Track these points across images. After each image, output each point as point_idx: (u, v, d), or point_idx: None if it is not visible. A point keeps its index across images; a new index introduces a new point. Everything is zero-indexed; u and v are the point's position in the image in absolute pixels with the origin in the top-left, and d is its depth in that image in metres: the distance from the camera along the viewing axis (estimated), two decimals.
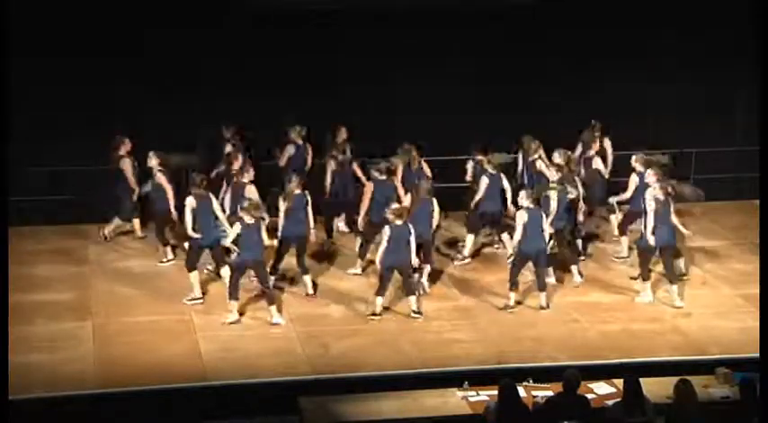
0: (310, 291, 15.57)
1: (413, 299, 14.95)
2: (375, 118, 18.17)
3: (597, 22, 18.87)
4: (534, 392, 12.20)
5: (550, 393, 11.76)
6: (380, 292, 14.86)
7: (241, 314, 14.84)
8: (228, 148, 17.08)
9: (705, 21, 18.99)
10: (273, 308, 14.74)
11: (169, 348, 14.06)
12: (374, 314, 14.87)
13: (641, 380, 11.17)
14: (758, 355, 12.22)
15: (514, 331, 14.74)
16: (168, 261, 16.56)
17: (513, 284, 15.16)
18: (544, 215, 15.09)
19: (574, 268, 16.10)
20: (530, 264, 15.19)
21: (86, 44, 17.43)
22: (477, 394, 12.33)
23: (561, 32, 18.79)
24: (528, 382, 12.56)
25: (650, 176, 15.62)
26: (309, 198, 15.44)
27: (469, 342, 14.43)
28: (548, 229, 15.15)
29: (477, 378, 12.74)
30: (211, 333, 14.49)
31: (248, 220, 14.49)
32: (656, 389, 11.83)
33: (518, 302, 15.30)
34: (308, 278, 15.59)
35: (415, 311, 14.93)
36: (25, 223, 17.51)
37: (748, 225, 18.10)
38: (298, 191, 15.35)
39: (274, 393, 13.05)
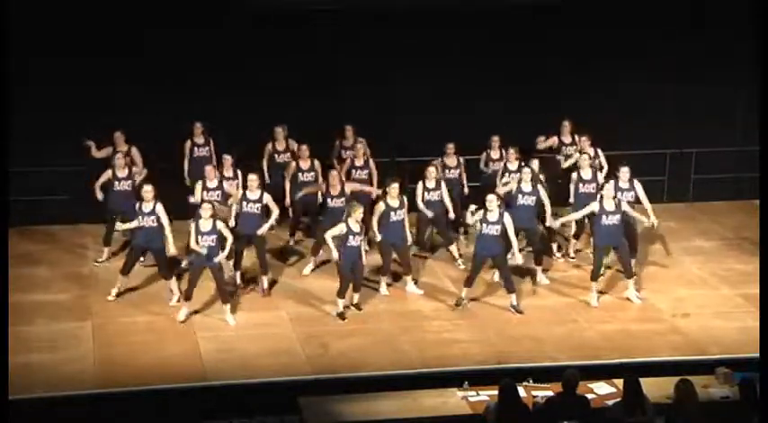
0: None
1: (357, 295, 15.18)
2: (375, 118, 18.16)
3: (597, 23, 18.86)
4: (534, 392, 12.19)
5: (550, 393, 11.75)
6: (342, 293, 15.02)
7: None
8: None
9: (705, 21, 18.97)
10: (227, 307, 14.86)
11: (169, 348, 14.07)
12: (340, 315, 15.00)
13: (641, 380, 11.16)
14: (758, 355, 12.21)
15: (514, 331, 14.74)
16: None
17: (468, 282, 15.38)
18: (508, 218, 15.08)
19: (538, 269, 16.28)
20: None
21: (86, 44, 17.43)
22: (477, 394, 12.32)
23: (561, 32, 18.79)
24: (528, 382, 12.55)
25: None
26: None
27: (469, 342, 14.43)
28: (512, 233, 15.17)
29: (477, 378, 12.73)
30: (211, 333, 14.50)
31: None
32: (656, 389, 11.81)
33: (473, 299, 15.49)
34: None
35: (353, 304, 15.17)
36: (25, 223, 17.52)
37: (748, 225, 18.10)
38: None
39: (274, 393, 13.05)
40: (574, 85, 18.84)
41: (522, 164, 16.52)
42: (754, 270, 16.40)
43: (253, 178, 15.39)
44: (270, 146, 17.52)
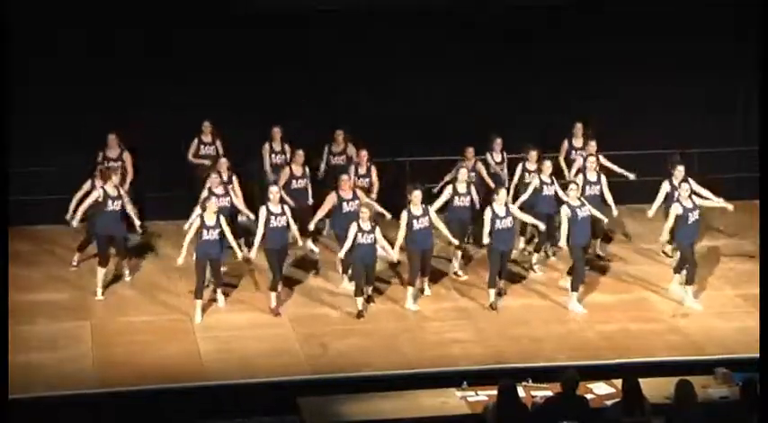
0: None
1: (369, 288, 15.33)
2: (374, 118, 18.14)
3: (597, 22, 18.86)
4: (534, 392, 12.19)
5: (550, 393, 11.75)
6: (359, 291, 15.15)
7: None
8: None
9: (706, 21, 18.95)
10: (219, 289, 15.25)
11: (168, 348, 14.07)
12: (359, 314, 15.08)
13: (641, 380, 11.16)
14: (758, 355, 12.21)
15: (514, 331, 14.74)
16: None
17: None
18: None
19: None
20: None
21: (87, 44, 17.44)
22: (477, 394, 12.31)
23: (561, 33, 18.78)
24: (527, 382, 12.55)
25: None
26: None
27: (469, 342, 14.43)
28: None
29: (477, 378, 12.72)
30: (211, 333, 14.50)
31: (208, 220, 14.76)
32: (655, 389, 11.80)
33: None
34: None
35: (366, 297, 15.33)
36: (25, 223, 17.52)
37: (748, 225, 18.09)
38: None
39: (273, 393, 13.05)
40: (574, 85, 18.84)
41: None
42: (754, 270, 16.40)
43: (274, 190, 15.17)
44: (267, 146, 17.52)
